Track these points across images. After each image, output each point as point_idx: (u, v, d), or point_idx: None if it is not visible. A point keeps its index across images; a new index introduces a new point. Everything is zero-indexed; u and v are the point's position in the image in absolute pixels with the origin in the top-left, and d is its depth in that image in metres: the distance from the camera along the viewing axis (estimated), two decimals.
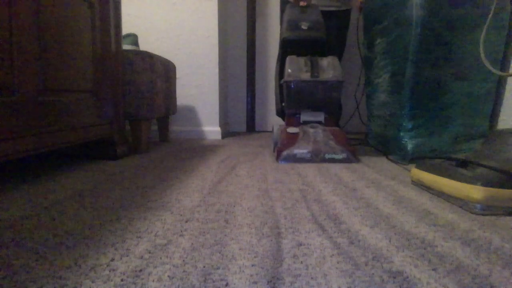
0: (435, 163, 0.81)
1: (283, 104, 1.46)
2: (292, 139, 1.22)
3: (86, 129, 1.02)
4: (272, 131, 1.53)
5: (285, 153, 1.17)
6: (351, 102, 2.14)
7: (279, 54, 1.56)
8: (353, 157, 1.18)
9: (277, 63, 1.59)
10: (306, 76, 1.30)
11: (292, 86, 1.30)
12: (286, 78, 1.31)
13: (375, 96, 1.46)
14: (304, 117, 1.36)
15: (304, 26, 1.43)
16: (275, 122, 1.60)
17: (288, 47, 1.48)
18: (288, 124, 1.36)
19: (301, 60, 1.34)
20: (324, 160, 1.16)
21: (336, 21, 1.76)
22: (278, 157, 1.17)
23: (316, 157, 1.16)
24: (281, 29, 1.61)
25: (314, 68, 1.31)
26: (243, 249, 0.48)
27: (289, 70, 1.31)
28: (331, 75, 1.30)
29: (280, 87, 1.50)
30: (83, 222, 0.57)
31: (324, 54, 1.41)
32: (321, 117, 1.36)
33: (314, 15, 1.46)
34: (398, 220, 0.61)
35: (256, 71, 2.40)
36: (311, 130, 1.25)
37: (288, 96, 1.33)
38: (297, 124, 1.35)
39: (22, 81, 0.75)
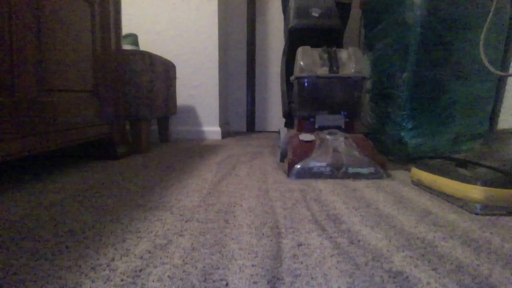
0: (435, 163, 0.81)
1: (292, 105, 1.24)
2: (306, 149, 1.00)
3: (86, 129, 1.02)
4: (278, 133, 1.29)
5: (298, 166, 0.95)
6: None
7: (285, 46, 1.36)
8: (382, 171, 0.96)
9: (283, 56, 1.38)
10: (322, 71, 1.09)
11: (306, 84, 1.08)
12: (298, 73, 1.10)
13: (375, 96, 1.46)
14: (320, 121, 1.12)
15: (315, 13, 1.24)
16: (281, 124, 1.44)
17: (296, 38, 1.28)
18: (300, 129, 1.14)
19: (316, 52, 1.13)
20: (347, 175, 0.94)
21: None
22: (289, 172, 0.95)
23: (338, 172, 0.94)
24: (284, 17, 1.47)
25: (332, 62, 1.10)
26: (243, 249, 0.48)
27: (302, 64, 1.09)
28: (353, 69, 1.09)
29: (287, 85, 1.30)
30: (83, 222, 0.57)
31: (340, 46, 1.24)
32: (340, 121, 1.12)
33: (326, 0, 1.27)
34: (398, 220, 0.61)
35: (256, 71, 2.40)
36: (330, 138, 1.03)
37: (301, 95, 1.11)
38: (311, 129, 1.13)
39: (22, 81, 0.75)
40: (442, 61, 1.13)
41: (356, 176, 0.95)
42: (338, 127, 1.12)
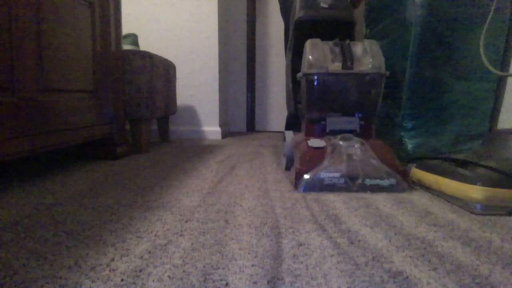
0: (435, 163, 0.81)
1: (299, 106, 1.12)
2: (316, 157, 0.88)
3: (86, 129, 1.02)
4: (282, 134, 1.16)
5: (307, 177, 0.82)
6: None
7: (290, 40, 1.24)
8: (404, 183, 0.83)
9: (288, 52, 1.26)
10: (335, 67, 0.96)
11: (316, 81, 0.96)
12: (306, 69, 0.96)
13: None
14: (332, 124, 0.99)
15: (323, 3, 1.12)
16: (282, 125, 1.31)
17: (303, 32, 1.16)
18: (308, 134, 1.01)
19: (327, 46, 1.00)
20: (363, 188, 0.82)
21: None
22: (297, 183, 0.83)
23: (353, 184, 0.82)
24: (283, 16, 1.40)
25: (345, 56, 0.98)
26: (243, 249, 0.48)
27: (311, 58, 0.96)
28: (370, 65, 0.96)
29: (294, 83, 1.18)
30: (83, 222, 0.57)
31: (352, 40, 1.14)
32: (355, 124, 0.99)
33: None
34: (398, 220, 0.61)
35: (256, 71, 2.40)
36: (343, 144, 0.89)
37: (310, 95, 0.98)
38: (322, 134, 1.00)
39: (22, 81, 0.75)
40: (442, 61, 1.13)
41: (375, 188, 0.82)
42: (353, 132, 0.99)
